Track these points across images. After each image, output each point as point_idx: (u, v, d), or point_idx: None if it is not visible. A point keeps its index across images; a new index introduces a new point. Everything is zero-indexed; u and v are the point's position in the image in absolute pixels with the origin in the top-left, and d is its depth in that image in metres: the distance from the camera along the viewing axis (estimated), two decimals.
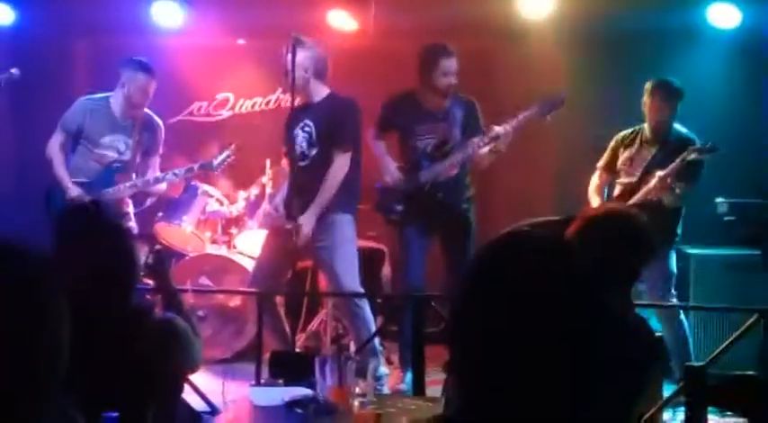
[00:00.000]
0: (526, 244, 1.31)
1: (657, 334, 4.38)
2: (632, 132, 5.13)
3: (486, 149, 5.04)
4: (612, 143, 5.19)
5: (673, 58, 6.26)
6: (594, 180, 5.18)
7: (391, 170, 5.21)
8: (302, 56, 4.81)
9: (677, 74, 5.86)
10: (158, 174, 5.46)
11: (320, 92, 4.92)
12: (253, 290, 4.96)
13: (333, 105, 4.89)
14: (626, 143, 5.12)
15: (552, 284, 1.25)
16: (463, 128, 5.12)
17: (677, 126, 5.01)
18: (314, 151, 4.86)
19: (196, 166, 5.41)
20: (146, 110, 5.48)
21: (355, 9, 6.30)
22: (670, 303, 4.82)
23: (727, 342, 3.95)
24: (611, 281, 1.96)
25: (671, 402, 3.94)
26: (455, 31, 6.37)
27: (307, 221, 4.76)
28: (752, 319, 3.97)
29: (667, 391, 3.99)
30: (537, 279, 1.25)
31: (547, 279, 1.25)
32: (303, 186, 4.82)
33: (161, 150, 5.55)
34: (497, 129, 4.96)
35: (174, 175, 5.42)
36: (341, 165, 4.79)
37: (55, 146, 5.35)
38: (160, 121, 5.55)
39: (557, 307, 1.24)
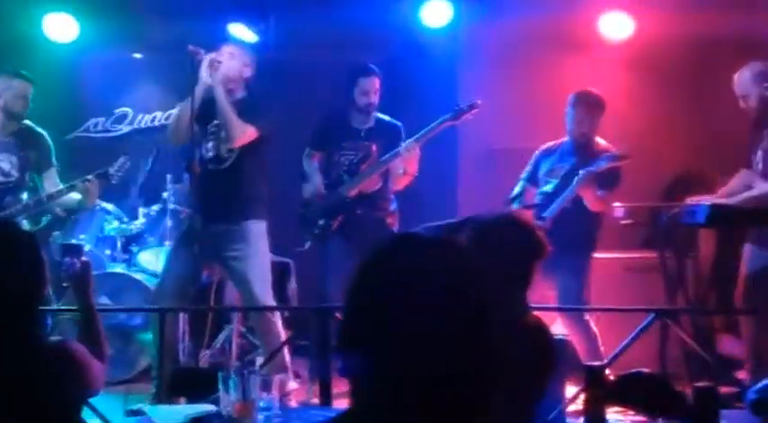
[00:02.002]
0: (415, 242, 1.31)
1: (560, 336, 4.50)
2: (554, 144, 5.21)
3: (399, 171, 5.11)
4: (535, 154, 5.25)
5: (570, 67, 6.43)
6: (516, 190, 5.23)
7: (316, 185, 5.25)
8: (238, 63, 4.82)
9: (574, 81, 6.01)
10: (53, 190, 5.16)
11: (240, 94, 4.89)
12: (156, 307, 4.84)
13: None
14: (547, 155, 5.19)
15: (443, 280, 1.25)
16: (386, 148, 5.17)
17: (598, 139, 5.07)
18: (233, 155, 4.78)
19: (92, 176, 5.10)
20: (27, 122, 5.22)
21: (255, 21, 6.26)
22: (572, 306, 4.90)
23: (625, 342, 4.04)
24: (504, 283, 1.98)
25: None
26: (358, 43, 6.42)
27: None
28: (648, 319, 4.07)
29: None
30: (428, 276, 1.25)
31: (437, 275, 1.25)
32: (217, 191, 4.71)
33: (55, 162, 5.30)
34: (402, 146, 5.02)
35: (71, 187, 5.11)
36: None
37: None
38: (44, 132, 5.29)
39: (448, 303, 1.23)
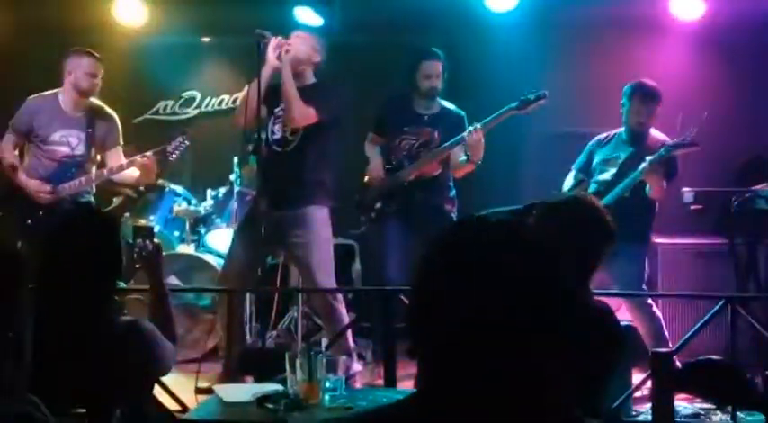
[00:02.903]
0: (483, 226, 1.30)
1: (626, 323, 4.46)
2: (608, 135, 5.15)
3: (461, 158, 5.07)
4: (589, 145, 5.20)
5: (637, 50, 6.33)
6: (569, 179, 5.18)
7: (377, 169, 5.27)
8: (309, 46, 4.84)
9: (641, 65, 5.93)
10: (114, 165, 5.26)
11: (310, 80, 4.91)
12: (223, 287, 4.92)
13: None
14: (602, 145, 5.13)
15: (511, 263, 1.24)
16: (448, 135, 5.14)
17: (654, 131, 5.01)
18: (296, 139, 4.82)
19: (150, 153, 5.18)
20: (97, 101, 5.33)
21: (320, 4, 6.29)
22: (640, 292, 4.84)
23: (694, 329, 3.99)
24: (570, 266, 1.97)
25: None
26: (422, 26, 6.41)
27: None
28: (718, 306, 4.01)
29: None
30: (495, 258, 1.24)
31: (505, 257, 1.24)
32: (280, 174, 4.76)
33: (121, 141, 5.39)
34: (467, 130, 4.99)
35: (131, 162, 5.18)
36: None
37: (7, 147, 5.26)
38: (113, 113, 5.38)
39: (517, 285, 1.22)
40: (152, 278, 2.96)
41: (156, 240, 3.00)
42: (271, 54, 4.74)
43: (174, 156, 5.29)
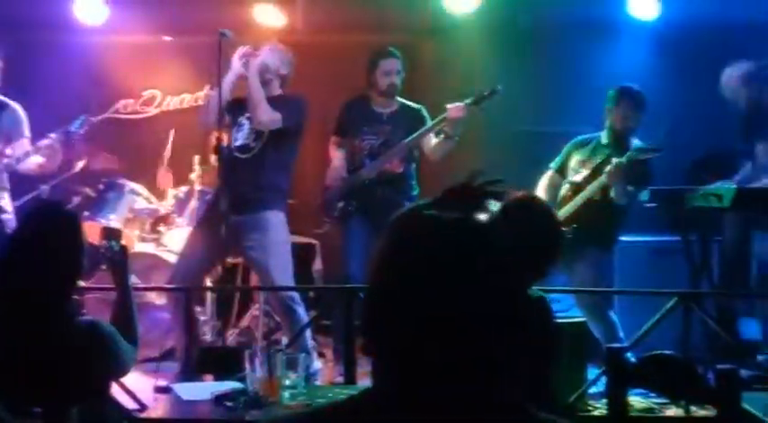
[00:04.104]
0: (436, 223, 1.31)
1: (579, 320, 4.52)
2: (588, 137, 5.17)
3: (434, 140, 5.12)
4: (567, 146, 5.21)
5: (595, 51, 6.41)
6: (544, 179, 5.20)
7: (339, 169, 5.32)
8: (278, 58, 4.89)
9: (598, 65, 6.00)
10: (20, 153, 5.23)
11: (276, 91, 4.94)
12: (181, 286, 4.90)
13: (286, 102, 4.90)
14: (580, 146, 5.16)
15: (463, 260, 1.25)
16: (408, 132, 5.19)
17: (635, 139, 5.02)
18: (258, 146, 4.84)
19: (57, 134, 5.20)
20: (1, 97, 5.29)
21: (282, 4, 6.30)
22: (595, 289, 4.90)
23: (647, 325, 4.06)
24: (521, 265, 2.00)
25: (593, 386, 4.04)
26: (382, 27, 6.44)
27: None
28: (671, 302, 4.08)
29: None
30: (447, 256, 1.25)
31: (457, 255, 1.25)
32: (239, 179, 4.78)
33: (27, 133, 5.33)
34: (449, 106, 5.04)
35: (36, 150, 5.20)
36: None
37: None
38: (16, 104, 5.34)
39: (468, 282, 1.24)
40: (117, 280, 2.96)
41: (122, 242, 3.01)
42: (236, 62, 4.77)
43: (77, 135, 5.29)
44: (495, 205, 1.46)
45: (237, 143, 4.89)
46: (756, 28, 5.89)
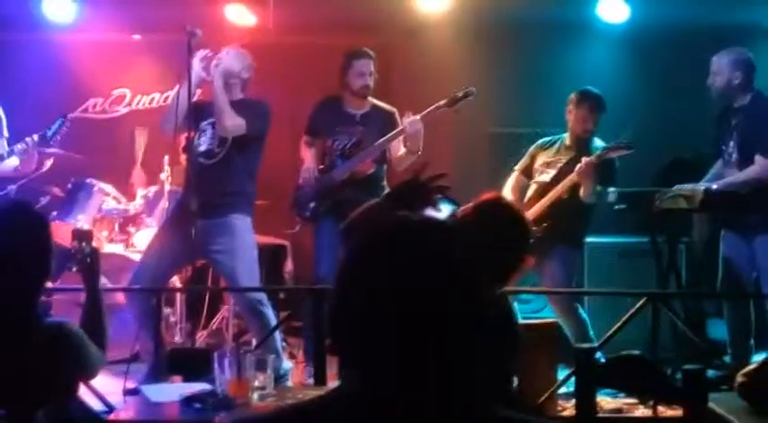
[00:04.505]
0: (403, 223, 1.32)
1: (552, 320, 4.55)
2: (552, 139, 5.23)
3: (402, 152, 5.12)
4: (532, 148, 5.27)
5: (565, 52, 6.46)
6: (510, 181, 5.25)
7: (310, 169, 5.30)
8: (240, 62, 4.86)
9: (569, 66, 6.04)
10: None
11: (238, 95, 4.93)
12: (150, 287, 4.86)
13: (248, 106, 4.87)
14: (545, 148, 5.22)
15: (430, 261, 1.26)
16: (380, 133, 5.19)
17: (597, 140, 5.11)
18: (223, 151, 4.83)
19: (35, 137, 5.19)
20: None
21: (254, 4, 6.27)
22: (565, 290, 4.95)
23: (617, 325, 4.08)
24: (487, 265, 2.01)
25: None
26: (354, 28, 6.44)
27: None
28: (640, 303, 4.11)
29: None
30: (414, 256, 1.26)
31: (424, 256, 1.26)
32: (205, 185, 4.76)
33: (6, 133, 5.30)
34: (404, 119, 5.04)
35: (10, 152, 5.17)
36: None
37: None
38: None
39: (435, 282, 1.25)
40: (88, 282, 2.94)
41: (93, 244, 2.98)
42: (196, 65, 4.75)
43: (54, 140, 5.26)
44: (442, 200, 1.45)
45: (201, 149, 4.87)
46: (723, 30, 5.95)
